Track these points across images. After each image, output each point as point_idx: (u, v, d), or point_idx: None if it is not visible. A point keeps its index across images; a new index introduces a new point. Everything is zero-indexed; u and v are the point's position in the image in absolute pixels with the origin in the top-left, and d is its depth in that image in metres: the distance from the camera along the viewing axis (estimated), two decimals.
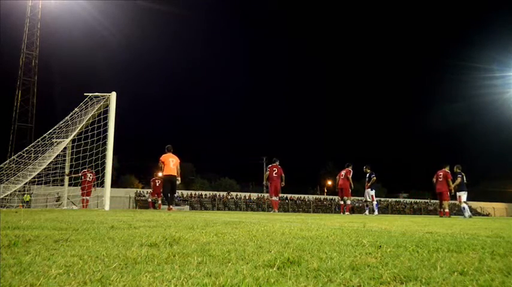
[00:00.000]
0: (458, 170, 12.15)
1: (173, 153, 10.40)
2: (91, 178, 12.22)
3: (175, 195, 12.48)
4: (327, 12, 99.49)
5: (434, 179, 12.28)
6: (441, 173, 12.13)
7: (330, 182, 57.15)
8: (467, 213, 11.69)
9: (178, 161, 10.43)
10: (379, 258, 1.49)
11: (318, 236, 2.37)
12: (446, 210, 11.98)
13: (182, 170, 11.11)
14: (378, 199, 15.12)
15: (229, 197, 40.67)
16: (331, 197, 45.62)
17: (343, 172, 12.81)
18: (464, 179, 12.07)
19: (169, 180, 10.14)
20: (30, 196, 20.77)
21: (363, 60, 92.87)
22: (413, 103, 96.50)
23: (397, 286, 1.07)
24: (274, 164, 11.85)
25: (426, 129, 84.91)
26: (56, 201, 13.63)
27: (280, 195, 15.00)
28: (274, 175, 11.71)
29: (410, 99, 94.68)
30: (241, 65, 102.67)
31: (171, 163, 10.13)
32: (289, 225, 3.48)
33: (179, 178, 10.43)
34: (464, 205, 11.85)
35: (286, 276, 1.14)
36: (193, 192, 41.16)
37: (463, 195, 12.00)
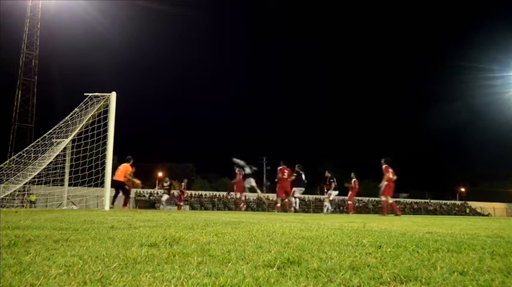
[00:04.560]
0: (299, 169, 13.31)
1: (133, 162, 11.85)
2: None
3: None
4: (328, 12, 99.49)
5: (280, 175, 13.08)
6: (286, 171, 13.05)
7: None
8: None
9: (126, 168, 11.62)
10: (379, 258, 1.49)
11: (318, 236, 2.37)
12: (288, 203, 13.24)
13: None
14: (378, 199, 17.01)
15: (229, 197, 40.66)
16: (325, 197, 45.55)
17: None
18: (303, 177, 13.36)
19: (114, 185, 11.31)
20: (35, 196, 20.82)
21: (363, 60, 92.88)
22: (414, 103, 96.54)
23: (397, 286, 1.07)
24: (284, 166, 13.38)
25: (426, 129, 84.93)
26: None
27: None
28: (284, 176, 13.36)
29: (410, 99, 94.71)
30: (241, 65, 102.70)
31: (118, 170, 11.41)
32: (289, 225, 3.48)
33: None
34: (296, 199, 13.26)
35: (286, 276, 1.14)
36: (193, 192, 41.14)
37: (299, 191, 13.33)
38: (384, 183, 11.81)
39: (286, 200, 13.37)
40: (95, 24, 48.56)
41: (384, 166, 11.95)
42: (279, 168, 13.25)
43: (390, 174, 11.84)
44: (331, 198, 14.19)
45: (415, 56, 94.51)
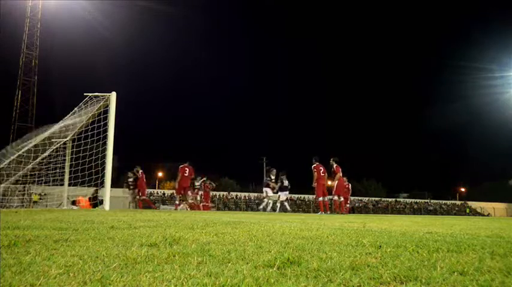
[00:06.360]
0: (283, 176, 13.72)
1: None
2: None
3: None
4: (328, 12, 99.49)
5: (180, 175, 13.44)
6: (187, 169, 13.48)
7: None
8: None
9: None
10: (379, 258, 1.48)
11: (318, 236, 2.37)
12: (189, 202, 13.60)
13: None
14: (379, 198, 16.81)
15: (229, 197, 40.67)
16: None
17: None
18: (286, 182, 13.66)
19: None
20: (39, 196, 20.86)
21: (363, 60, 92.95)
22: (414, 103, 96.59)
23: (397, 286, 1.07)
24: (186, 164, 13.59)
25: (426, 129, 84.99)
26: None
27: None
28: (185, 175, 13.51)
29: (410, 99, 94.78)
30: (241, 64, 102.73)
31: None
32: (289, 225, 3.48)
33: None
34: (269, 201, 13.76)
35: (286, 276, 1.14)
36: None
37: (284, 195, 13.82)
38: (336, 182, 12.63)
39: (328, 198, 13.22)
40: (95, 24, 48.51)
41: (334, 166, 12.52)
42: (180, 166, 13.60)
43: (341, 173, 12.65)
44: (281, 198, 13.93)
45: (415, 56, 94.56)
